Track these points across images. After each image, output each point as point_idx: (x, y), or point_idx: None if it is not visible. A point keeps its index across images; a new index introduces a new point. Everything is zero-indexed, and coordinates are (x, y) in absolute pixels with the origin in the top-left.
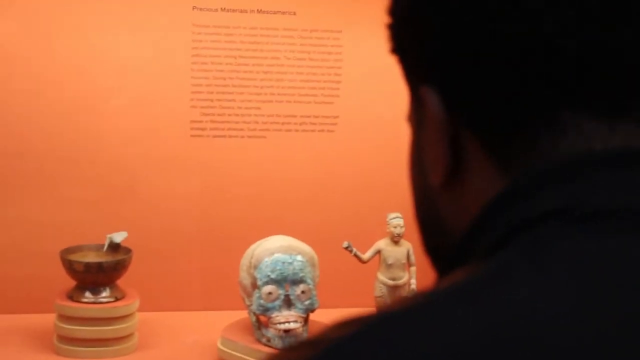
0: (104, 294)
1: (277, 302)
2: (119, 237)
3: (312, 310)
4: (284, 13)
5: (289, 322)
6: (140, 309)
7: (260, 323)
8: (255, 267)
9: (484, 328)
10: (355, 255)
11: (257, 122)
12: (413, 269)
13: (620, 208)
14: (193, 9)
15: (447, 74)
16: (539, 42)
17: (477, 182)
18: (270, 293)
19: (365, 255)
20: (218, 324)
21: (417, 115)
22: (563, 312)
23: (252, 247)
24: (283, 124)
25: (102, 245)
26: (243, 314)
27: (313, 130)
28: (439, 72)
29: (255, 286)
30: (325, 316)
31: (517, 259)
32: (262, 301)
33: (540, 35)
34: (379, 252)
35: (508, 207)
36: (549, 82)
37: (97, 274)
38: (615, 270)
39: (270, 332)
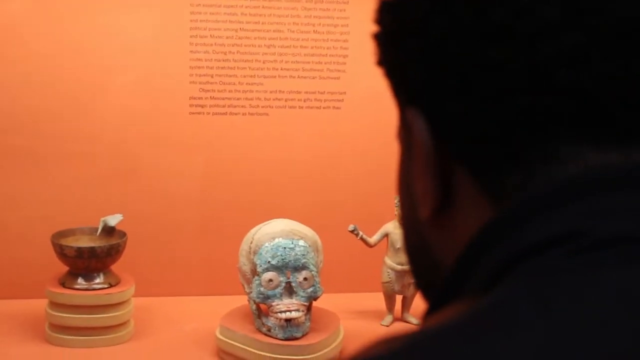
0: (97, 280)
1: (278, 290)
2: (113, 220)
3: (315, 298)
4: None
5: (290, 310)
6: (136, 294)
7: (260, 311)
8: (255, 252)
9: None
10: (362, 239)
11: (259, 99)
12: None
13: (635, 235)
14: None
15: (434, 100)
16: (535, 71)
17: (469, 216)
18: (270, 280)
19: (372, 239)
20: (218, 310)
21: (406, 138)
22: None
23: (252, 231)
24: (287, 100)
25: (96, 229)
26: (244, 300)
27: (318, 107)
28: (426, 98)
29: (255, 273)
30: (331, 302)
31: (519, 299)
32: (262, 289)
33: (537, 63)
34: (386, 235)
35: (504, 235)
36: (546, 113)
37: (90, 259)
38: (636, 312)
39: (271, 321)
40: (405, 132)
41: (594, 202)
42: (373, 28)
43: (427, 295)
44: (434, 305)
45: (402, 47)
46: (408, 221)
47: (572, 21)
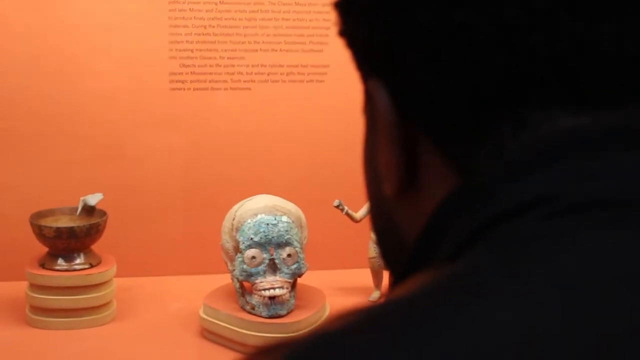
0: (78, 261)
1: (262, 267)
2: (93, 199)
3: (300, 275)
4: None
5: (274, 288)
6: (118, 275)
7: (244, 289)
8: (238, 229)
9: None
10: (347, 214)
11: (241, 73)
12: None
13: (614, 197)
14: None
15: (399, 71)
16: (501, 34)
17: (435, 191)
18: (253, 257)
19: (358, 214)
20: (201, 289)
21: (369, 111)
22: (548, 336)
23: (234, 207)
24: (269, 74)
25: (76, 209)
26: (228, 278)
27: (301, 81)
28: (390, 68)
29: (237, 250)
30: (317, 279)
31: (488, 266)
32: (245, 266)
33: (503, 27)
34: None
35: (471, 203)
36: (514, 79)
37: (69, 239)
38: (612, 278)
39: (255, 299)
40: (368, 105)
41: (566, 165)
42: None
43: (394, 272)
44: (399, 279)
45: (364, 15)
46: (374, 199)
47: None
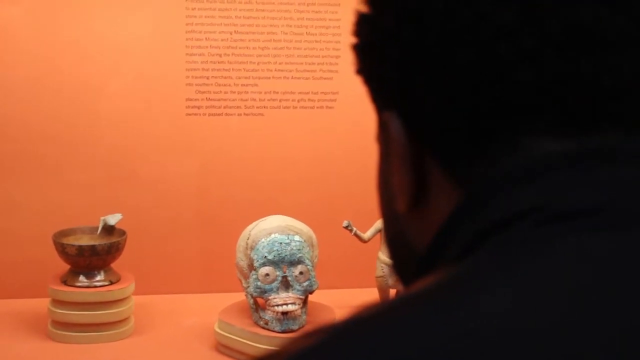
0: (98, 278)
1: (275, 284)
2: (113, 219)
3: (311, 292)
4: None
5: (287, 304)
6: (136, 292)
7: (257, 305)
8: (252, 248)
9: (450, 339)
10: (356, 235)
11: (254, 100)
12: None
13: (594, 206)
14: None
15: (408, 101)
16: (496, 70)
17: (442, 207)
18: (267, 274)
19: (366, 235)
20: (216, 306)
21: (383, 138)
22: (541, 321)
23: (249, 227)
24: (281, 100)
25: (96, 228)
26: (241, 296)
27: (312, 107)
28: (401, 99)
29: (252, 268)
30: (326, 297)
31: (487, 264)
32: (259, 283)
33: (497, 63)
34: (380, 231)
35: (474, 213)
36: (507, 108)
37: (91, 257)
38: (597, 273)
39: (268, 315)
40: (383, 133)
41: (552, 180)
42: (350, 42)
43: (404, 280)
44: (410, 282)
45: (378, 54)
46: (387, 216)
47: (528, 26)
